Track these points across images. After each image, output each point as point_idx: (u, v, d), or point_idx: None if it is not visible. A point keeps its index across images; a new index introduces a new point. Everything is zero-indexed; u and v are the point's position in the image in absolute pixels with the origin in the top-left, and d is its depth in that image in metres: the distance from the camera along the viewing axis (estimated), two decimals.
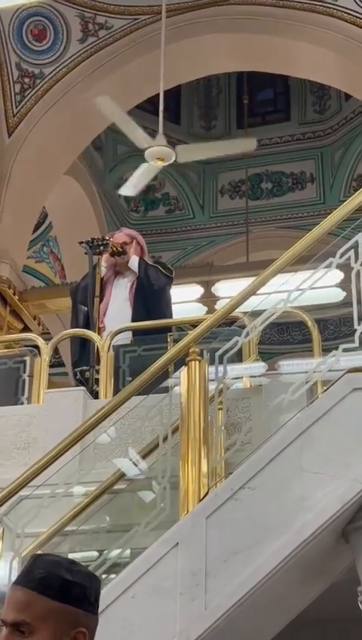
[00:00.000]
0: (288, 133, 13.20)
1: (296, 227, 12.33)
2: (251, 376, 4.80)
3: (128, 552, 3.92)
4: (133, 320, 5.86)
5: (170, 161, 7.90)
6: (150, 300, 6.05)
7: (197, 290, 9.76)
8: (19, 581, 1.75)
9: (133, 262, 6.18)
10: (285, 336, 13.46)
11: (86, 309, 5.84)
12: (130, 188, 8.78)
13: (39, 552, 1.88)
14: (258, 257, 10.81)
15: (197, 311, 9.26)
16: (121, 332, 5.49)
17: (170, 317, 6.12)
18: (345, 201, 4.24)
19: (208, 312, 8.68)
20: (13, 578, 3.73)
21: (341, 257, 3.84)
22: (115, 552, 3.94)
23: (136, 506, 4.23)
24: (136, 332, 5.74)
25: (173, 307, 6.34)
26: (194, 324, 5.21)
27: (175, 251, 12.60)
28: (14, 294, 9.37)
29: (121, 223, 12.58)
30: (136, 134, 7.87)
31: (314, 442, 3.44)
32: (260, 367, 5.12)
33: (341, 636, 5.11)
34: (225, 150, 9.38)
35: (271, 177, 13.23)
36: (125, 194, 9.53)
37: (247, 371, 4.80)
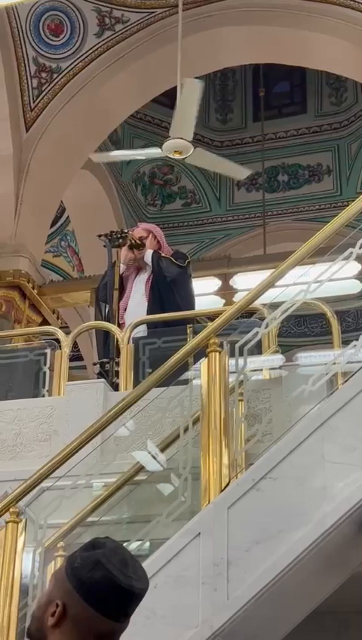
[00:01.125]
0: (304, 126, 13.15)
1: (312, 219, 12.31)
2: (271, 369, 4.81)
3: (147, 544, 3.94)
4: (149, 313, 5.87)
5: (187, 155, 7.90)
6: (163, 292, 6.04)
7: (215, 283, 9.76)
8: None
9: (148, 255, 6.19)
10: (302, 328, 13.44)
11: (107, 306, 5.86)
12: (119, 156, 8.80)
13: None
14: (275, 250, 10.80)
15: (215, 303, 9.27)
16: (140, 324, 5.51)
17: (189, 308, 6.08)
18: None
19: (226, 305, 8.69)
20: (37, 569, 3.77)
21: (361, 248, 3.84)
22: (136, 543, 3.97)
23: (157, 497, 4.24)
24: (151, 325, 5.74)
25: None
26: (211, 317, 5.23)
27: (192, 244, 12.59)
28: (33, 288, 9.42)
29: (138, 216, 12.60)
30: (184, 127, 7.80)
31: (336, 432, 3.45)
32: (279, 358, 5.12)
33: (360, 628, 5.12)
34: (224, 170, 9.41)
35: (287, 170, 13.20)
36: (96, 159, 9.60)
37: (267, 363, 4.81)
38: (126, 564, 1.77)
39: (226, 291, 9.72)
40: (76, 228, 11.86)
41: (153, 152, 8.13)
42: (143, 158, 8.40)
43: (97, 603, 1.73)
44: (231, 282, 9.76)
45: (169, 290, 6.05)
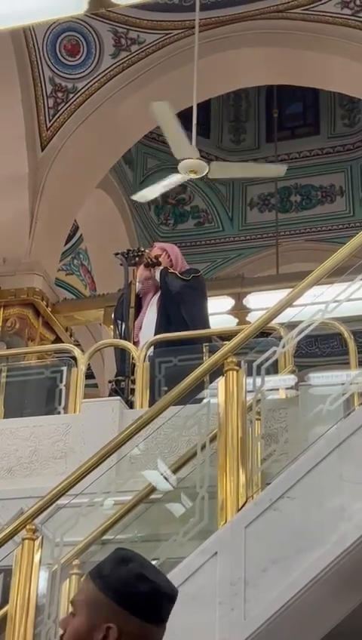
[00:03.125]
0: (317, 147, 13.21)
1: (325, 240, 12.33)
2: (288, 388, 4.81)
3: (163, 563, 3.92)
4: (157, 329, 5.86)
5: (203, 174, 7.94)
6: (169, 306, 6.00)
7: (228, 302, 9.78)
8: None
9: (158, 273, 6.22)
10: (313, 348, 13.42)
11: (122, 323, 5.87)
12: (146, 194, 8.83)
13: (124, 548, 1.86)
14: (287, 270, 10.82)
15: (229, 323, 9.27)
16: (156, 342, 5.51)
17: (196, 323, 5.99)
18: None
19: (239, 324, 8.70)
20: (53, 586, 3.76)
21: None
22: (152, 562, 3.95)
23: (173, 516, 4.24)
24: (159, 344, 5.71)
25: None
26: (224, 336, 5.24)
27: (204, 264, 12.60)
28: (47, 306, 9.44)
29: (150, 235, 12.65)
30: (182, 146, 7.82)
31: (354, 452, 3.45)
32: (296, 378, 5.12)
33: None
34: (256, 172, 9.38)
35: (300, 190, 13.25)
36: (138, 199, 9.58)
37: (285, 382, 4.81)
38: (158, 571, 1.79)
39: (239, 310, 9.73)
40: (89, 246, 11.91)
41: (177, 178, 8.16)
42: (173, 186, 8.43)
43: (150, 615, 1.74)
44: (244, 301, 9.77)
45: (174, 304, 6.01)
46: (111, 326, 6.46)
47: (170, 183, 8.31)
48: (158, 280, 6.11)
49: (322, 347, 13.32)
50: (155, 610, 1.75)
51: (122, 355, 5.69)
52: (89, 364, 10.23)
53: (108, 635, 1.71)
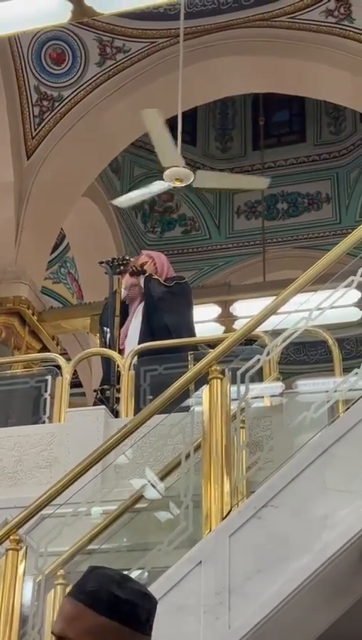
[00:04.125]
0: (304, 154, 13.25)
1: (312, 247, 12.36)
2: (272, 396, 4.81)
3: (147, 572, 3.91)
4: (141, 337, 5.84)
5: (188, 183, 7.94)
6: (151, 312, 5.99)
7: (214, 310, 9.78)
8: (71, 593, 1.74)
9: (142, 280, 6.21)
10: (301, 355, 13.44)
11: (108, 329, 5.85)
12: (126, 200, 8.83)
13: (95, 565, 1.82)
14: (274, 277, 10.83)
15: (215, 331, 9.27)
16: (141, 351, 5.50)
17: (179, 330, 5.97)
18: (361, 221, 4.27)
19: (225, 332, 8.69)
20: (37, 597, 3.74)
21: None
22: (137, 572, 3.94)
23: (157, 525, 4.22)
24: (142, 353, 5.68)
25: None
26: (210, 344, 5.23)
27: (191, 271, 12.61)
28: (33, 315, 9.43)
29: (137, 243, 12.65)
30: (168, 154, 7.83)
31: (337, 460, 3.44)
32: (280, 386, 5.12)
33: None
34: (239, 184, 9.37)
35: (287, 198, 13.28)
36: (117, 203, 9.58)
37: (269, 390, 4.81)
38: (126, 577, 1.77)
39: (226, 318, 9.73)
40: (76, 255, 11.90)
41: (161, 186, 8.15)
42: (155, 194, 8.41)
43: (150, 627, 1.75)
44: (231, 309, 9.78)
45: (156, 312, 6.00)
46: (98, 334, 6.44)
47: (151, 191, 8.31)
48: (143, 287, 6.11)
49: (309, 354, 13.34)
50: (151, 621, 1.75)
51: (108, 363, 5.67)
52: (76, 374, 10.27)
53: None
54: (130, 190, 12.57)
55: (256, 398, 4.49)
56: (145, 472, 4.42)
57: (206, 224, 13.37)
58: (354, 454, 3.45)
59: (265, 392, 4.79)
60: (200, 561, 3.39)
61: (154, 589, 3.37)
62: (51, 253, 10.96)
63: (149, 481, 4.39)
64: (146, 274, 6.16)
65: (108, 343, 5.82)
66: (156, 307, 5.97)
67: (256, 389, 4.39)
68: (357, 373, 3.72)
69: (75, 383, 10.12)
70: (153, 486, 4.38)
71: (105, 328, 5.96)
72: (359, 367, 3.79)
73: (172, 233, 13.36)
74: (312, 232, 12.88)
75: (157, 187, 8.21)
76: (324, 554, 3.30)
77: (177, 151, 7.79)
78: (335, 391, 3.96)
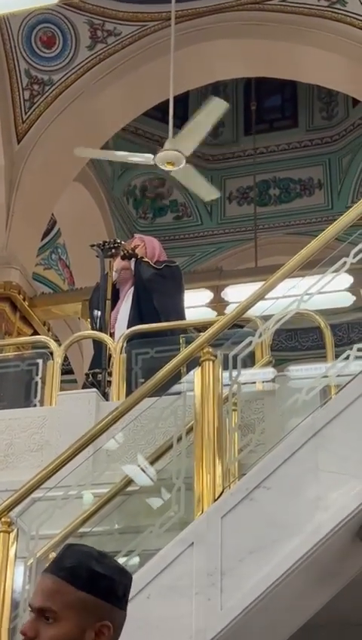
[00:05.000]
0: (296, 140, 13.22)
1: (304, 233, 12.33)
2: (264, 381, 4.80)
3: (139, 555, 3.90)
4: (130, 320, 5.82)
5: (181, 166, 7.90)
6: (141, 295, 5.96)
7: (206, 295, 9.77)
8: (49, 569, 1.77)
9: (132, 263, 6.18)
10: (293, 342, 13.43)
11: (99, 312, 5.83)
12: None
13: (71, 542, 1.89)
14: (266, 263, 10.81)
15: (207, 315, 9.25)
16: (133, 334, 5.48)
17: (167, 313, 5.93)
18: (352, 207, 4.24)
19: (218, 317, 8.67)
20: (29, 580, 3.73)
21: (354, 257, 3.83)
22: (128, 554, 3.93)
23: (149, 508, 4.21)
24: (131, 337, 5.66)
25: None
26: (201, 328, 5.21)
27: (183, 257, 12.58)
28: (24, 300, 9.39)
29: (129, 229, 12.61)
30: (137, 157, 7.87)
31: (329, 442, 3.43)
32: (272, 370, 5.11)
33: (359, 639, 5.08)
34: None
35: (279, 184, 13.24)
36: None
37: (261, 373, 4.80)
38: (102, 554, 1.83)
39: (218, 303, 9.72)
40: (67, 241, 11.85)
41: (144, 157, 8.09)
42: (132, 161, 8.28)
43: (126, 602, 1.80)
44: (222, 294, 9.77)
45: (146, 294, 5.97)
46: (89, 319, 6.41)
47: (135, 156, 8.24)
48: (133, 270, 6.08)
49: (302, 341, 13.34)
50: (127, 596, 1.81)
51: (99, 346, 5.66)
52: (68, 359, 10.24)
53: (103, 633, 1.73)
54: (121, 176, 12.58)
55: (246, 383, 4.48)
56: (136, 455, 4.41)
57: (197, 210, 13.34)
58: (347, 436, 3.44)
59: (258, 376, 4.78)
60: (192, 543, 3.38)
61: (146, 571, 3.38)
62: (42, 239, 10.92)
63: (141, 465, 4.39)
64: (138, 257, 6.14)
65: (98, 326, 5.80)
66: (145, 289, 5.95)
67: (248, 372, 4.40)
68: (349, 354, 3.71)
69: (66, 370, 10.12)
70: (143, 470, 4.37)
71: (95, 311, 5.93)
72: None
73: (163, 219, 13.33)
74: (304, 217, 12.86)
75: (139, 157, 8.15)
76: (316, 535, 3.29)
77: (196, 144, 7.74)
78: (325, 376, 3.94)
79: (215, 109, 7.67)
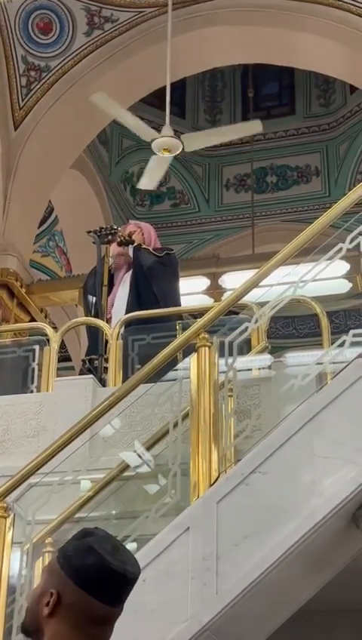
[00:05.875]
0: (293, 127, 13.19)
1: (301, 220, 12.31)
2: (261, 368, 4.81)
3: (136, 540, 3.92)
4: (128, 306, 5.83)
5: (177, 152, 7.89)
6: (140, 282, 5.98)
7: (203, 282, 9.77)
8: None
9: (130, 249, 6.18)
10: (290, 329, 13.45)
11: (94, 298, 5.84)
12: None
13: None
14: (263, 250, 10.80)
15: (204, 302, 9.25)
16: (130, 320, 5.49)
17: (167, 302, 5.95)
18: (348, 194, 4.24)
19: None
20: (25, 565, 3.74)
21: (350, 243, 3.84)
22: (124, 539, 3.94)
23: (146, 493, 4.23)
24: (129, 322, 5.67)
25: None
26: (197, 315, 5.22)
27: (181, 245, 12.57)
28: (21, 287, 9.39)
29: (126, 216, 12.58)
30: (140, 128, 7.84)
31: (325, 427, 3.45)
32: (269, 357, 5.12)
33: (349, 625, 5.11)
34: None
35: (276, 171, 13.23)
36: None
37: (257, 360, 4.81)
38: (117, 550, 1.80)
39: (215, 290, 9.73)
40: (64, 228, 11.84)
41: (149, 131, 8.03)
42: (132, 128, 8.19)
43: (91, 588, 1.75)
44: (219, 281, 9.77)
45: (146, 282, 5.99)
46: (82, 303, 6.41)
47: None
48: (131, 256, 6.09)
49: (299, 328, 13.35)
50: (101, 585, 1.76)
51: (94, 332, 5.66)
52: (65, 346, 10.25)
53: (49, 602, 1.76)
54: (118, 162, 12.56)
55: (243, 370, 4.49)
56: (132, 440, 4.42)
57: (195, 197, 13.32)
58: (342, 421, 3.45)
59: (254, 362, 4.79)
60: (188, 527, 3.40)
61: (142, 556, 3.39)
62: (40, 227, 10.91)
63: (137, 450, 4.40)
64: (135, 244, 6.15)
65: (93, 312, 5.80)
66: (145, 276, 5.96)
67: (244, 358, 4.41)
68: (344, 339, 3.72)
69: (64, 357, 10.13)
70: (140, 456, 4.38)
71: (90, 296, 5.94)
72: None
73: (161, 206, 13.31)
74: (301, 205, 12.84)
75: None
76: (312, 520, 3.30)
77: (202, 145, 7.72)
78: (319, 363, 3.95)
79: (248, 129, 7.67)
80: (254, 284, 4.03)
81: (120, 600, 1.80)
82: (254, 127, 8.47)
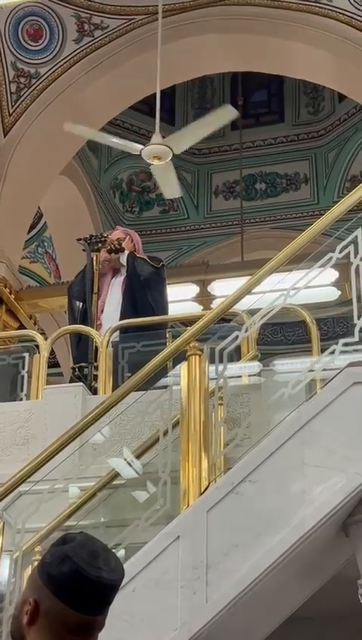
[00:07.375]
0: (282, 135, 13.24)
1: (290, 228, 12.35)
2: (250, 375, 4.82)
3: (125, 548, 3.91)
4: (122, 315, 5.84)
5: (167, 160, 7.90)
6: (137, 292, 6.02)
7: (192, 290, 9.77)
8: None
9: (123, 257, 6.19)
10: (279, 336, 13.46)
11: (81, 304, 5.84)
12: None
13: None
14: (253, 257, 10.82)
15: (193, 310, 9.25)
16: (119, 328, 5.49)
17: (161, 312, 6.03)
18: (339, 202, 4.25)
19: (204, 311, 8.67)
20: (14, 573, 3.73)
21: (340, 252, 3.85)
22: (114, 548, 3.94)
23: (135, 501, 4.23)
24: (123, 329, 5.71)
25: (169, 306, 6.30)
26: (187, 322, 5.23)
27: (170, 251, 12.60)
28: (10, 293, 9.37)
29: (115, 223, 12.58)
30: (124, 145, 7.87)
31: (315, 436, 3.46)
32: (258, 364, 5.13)
33: (339, 632, 5.13)
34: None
35: (265, 178, 13.26)
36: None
37: (246, 368, 4.81)
38: (96, 556, 1.76)
39: (204, 297, 9.73)
40: (53, 234, 11.83)
41: (132, 146, 8.06)
42: (119, 147, 8.20)
43: (66, 596, 1.73)
44: (209, 288, 9.77)
45: (142, 290, 6.03)
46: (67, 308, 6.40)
47: (124, 144, 8.22)
48: (124, 263, 6.11)
49: (287, 335, 13.37)
50: (77, 594, 1.74)
51: (81, 340, 5.66)
52: (54, 353, 10.22)
53: (28, 610, 1.76)
54: (108, 169, 12.56)
55: (232, 377, 4.50)
56: (122, 448, 4.42)
57: (184, 204, 13.34)
58: (332, 430, 3.46)
59: (244, 370, 4.79)
60: (178, 536, 3.40)
61: (132, 564, 3.40)
62: (28, 233, 10.89)
63: (127, 459, 4.40)
64: (127, 251, 6.17)
65: (80, 318, 5.80)
66: (142, 286, 6.00)
67: (234, 366, 4.42)
68: (334, 349, 3.73)
69: (52, 364, 10.11)
70: (130, 464, 4.38)
71: (77, 302, 5.95)
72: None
73: (150, 213, 13.32)
74: (290, 212, 12.88)
75: (128, 145, 8.13)
76: (301, 529, 3.31)
77: (188, 146, 7.73)
78: (311, 371, 3.96)
79: (224, 115, 7.68)
80: (244, 293, 4.04)
81: (97, 609, 1.76)
82: (227, 113, 8.38)
